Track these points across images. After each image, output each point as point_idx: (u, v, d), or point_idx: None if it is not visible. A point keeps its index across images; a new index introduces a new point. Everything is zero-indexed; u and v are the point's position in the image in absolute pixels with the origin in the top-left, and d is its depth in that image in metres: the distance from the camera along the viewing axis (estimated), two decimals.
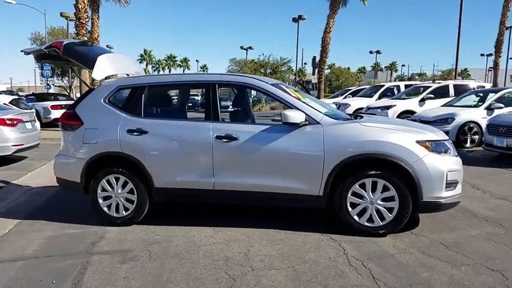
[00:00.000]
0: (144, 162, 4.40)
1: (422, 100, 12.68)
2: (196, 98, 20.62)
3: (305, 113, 4.11)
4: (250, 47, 51.66)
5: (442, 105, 11.44)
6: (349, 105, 14.82)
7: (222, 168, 4.27)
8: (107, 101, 4.65)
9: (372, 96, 15.80)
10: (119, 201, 4.55)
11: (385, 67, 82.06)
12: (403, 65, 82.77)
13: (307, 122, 4.10)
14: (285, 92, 4.42)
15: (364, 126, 4.08)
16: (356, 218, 4.06)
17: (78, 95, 30.94)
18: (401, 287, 3.03)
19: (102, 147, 4.50)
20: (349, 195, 4.03)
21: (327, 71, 38.31)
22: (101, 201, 4.59)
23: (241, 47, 51.39)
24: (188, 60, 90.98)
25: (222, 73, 4.84)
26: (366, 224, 4.04)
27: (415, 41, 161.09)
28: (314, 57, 36.26)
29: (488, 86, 13.81)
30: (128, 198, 4.54)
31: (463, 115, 9.79)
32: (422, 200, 3.90)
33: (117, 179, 4.53)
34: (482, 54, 57.08)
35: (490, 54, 57.09)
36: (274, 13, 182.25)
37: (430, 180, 3.88)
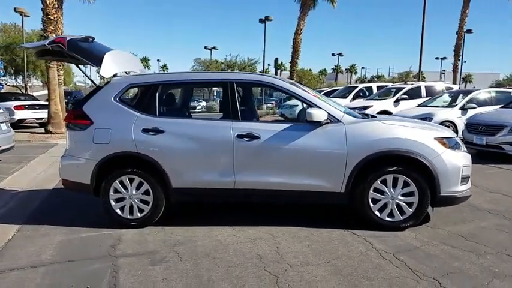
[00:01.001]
0: (161, 162, 4.30)
1: (397, 101, 13.20)
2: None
3: (326, 112, 4.18)
4: (214, 47, 51.43)
5: (418, 106, 11.96)
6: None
7: (243, 167, 4.25)
8: (117, 99, 4.50)
9: (346, 97, 16.22)
10: (133, 203, 4.42)
11: (346, 69, 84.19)
12: (362, 68, 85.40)
13: (329, 121, 4.18)
14: (305, 90, 4.48)
15: (386, 124, 4.22)
16: (377, 213, 4.18)
17: (39, 94, 29.50)
18: (440, 276, 3.16)
19: (115, 147, 4.35)
20: (371, 191, 4.14)
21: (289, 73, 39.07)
22: (113, 203, 4.43)
23: (206, 47, 51.09)
24: (148, 60, 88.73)
25: (240, 72, 4.83)
26: (387, 219, 4.17)
27: (372, 44, 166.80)
28: (276, 59, 36.77)
29: (456, 87, 14.59)
30: (143, 199, 4.41)
31: (440, 115, 10.28)
32: (440, 195, 4.08)
33: (131, 180, 4.40)
34: (437, 58, 60.00)
35: (444, 58, 60.26)
36: (240, 14, 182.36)
37: (447, 175, 4.07)
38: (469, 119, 9.04)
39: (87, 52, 4.61)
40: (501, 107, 9.55)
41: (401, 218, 4.15)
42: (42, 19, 13.08)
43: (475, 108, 10.18)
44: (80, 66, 5.00)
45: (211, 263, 3.51)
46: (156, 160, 4.30)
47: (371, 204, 4.16)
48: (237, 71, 36.94)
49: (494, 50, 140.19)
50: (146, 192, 4.40)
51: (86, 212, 5.12)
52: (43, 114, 15.10)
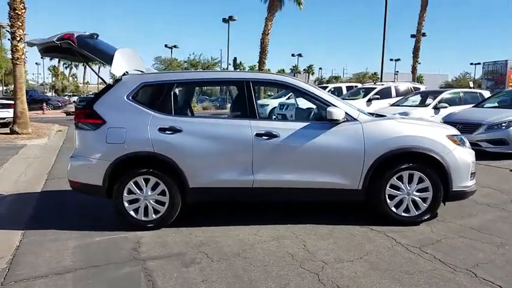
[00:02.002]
0: (178, 162, 4.21)
1: (369, 100, 13.64)
2: None
3: (344, 111, 4.27)
4: (175, 46, 50.75)
5: (391, 105, 12.42)
6: (298, 105, 15.29)
7: (262, 165, 4.26)
8: (130, 98, 4.36)
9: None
10: (148, 204, 4.29)
11: (304, 70, 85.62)
12: (320, 68, 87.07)
13: (346, 119, 4.27)
14: (320, 90, 4.55)
15: (401, 122, 4.38)
16: (394, 209, 4.32)
17: None
18: (471, 267, 3.33)
19: (131, 147, 4.21)
20: (387, 187, 4.28)
21: None
22: (126, 204, 4.28)
23: (166, 45, 50.26)
24: None
25: (255, 71, 4.82)
26: (403, 214, 4.33)
27: (326, 45, 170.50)
28: (235, 58, 36.95)
29: (422, 87, 15.28)
30: (159, 200, 4.30)
31: (415, 114, 10.71)
32: (452, 190, 4.29)
33: (146, 181, 4.27)
34: (391, 59, 62.37)
35: (398, 59, 62.93)
36: (201, 12, 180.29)
37: (459, 171, 4.28)
38: (446, 118, 9.51)
39: (97, 49, 4.47)
40: (473, 107, 10.15)
41: (417, 213, 4.32)
42: (9, 14, 12.27)
43: (446, 107, 10.72)
44: (89, 64, 4.79)
45: (245, 263, 3.48)
46: (173, 160, 4.21)
47: (388, 201, 4.30)
48: (201, 69, 36.61)
49: (441, 51, 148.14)
50: (162, 193, 4.29)
51: (88, 214, 4.94)
52: (6, 113, 14.20)
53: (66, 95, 59.49)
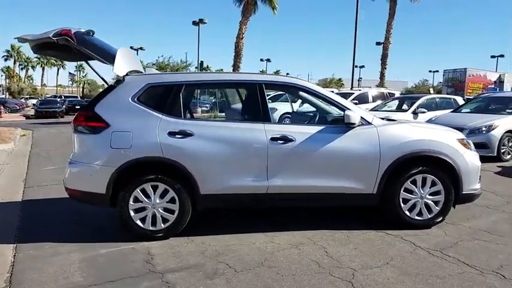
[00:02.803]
0: (189, 168, 4.00)
1: None
2: None
3: (359, 114, 4.23)
4: (141, 48, 49.72)
5: (369, 110, 12.63)
6: (276, 109, 15.29)
7: (277, 170, 4.12)
8: (135, 100, 4.11)
9: (295, 102, 16.56)
10: (156, 212, 4.05)
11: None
12: (287, 73, 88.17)
13: (361, 123, 4.23)
14: (333, 93, 4.49)
15: (414, 126, 4.39)
16: (407, 212, 4.31)
17: None
18: (497, 269, 3.35)
19: (138, 152, 3.96)
20: (401, 191, 4.26)
21: None
22: (132, 213, 4.02)
23: (131, 47, 49.12)
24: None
25: (268, 73, 4.68)
26: (416, 217, 4.32)
27: (291, 50, 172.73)
28: (201, 62, 36.65)
29: (397, 93, 15.71)
30: (168, 208, 4.06)
31: (395, 118, 10.96)
32: (462, 193, 4.33)
33: (154, 188, 4.03)
34: (356, 66, 63.88)
35: (362, 66, 64.76)
36: (164, 16, 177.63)
37: (469, 174, 4.34)
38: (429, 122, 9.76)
39: (96, 47, 4.16)
40: (451, 112, 10.49)
41: (429, 216, 4.33)
42: None
43: (425, 112, 11.04)
44: (89, 62, 4.46)
45: (271, 273, 3.33)
46: (184, 165, 3.99)
47: (402, 204, 4.28)
48: (169, 71, 35.89)
49: (400, 58, 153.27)
50: (171, 200, 4.06)
51: (85, 224, 4.65)
52: None
53: (22, 98, 56.69)
